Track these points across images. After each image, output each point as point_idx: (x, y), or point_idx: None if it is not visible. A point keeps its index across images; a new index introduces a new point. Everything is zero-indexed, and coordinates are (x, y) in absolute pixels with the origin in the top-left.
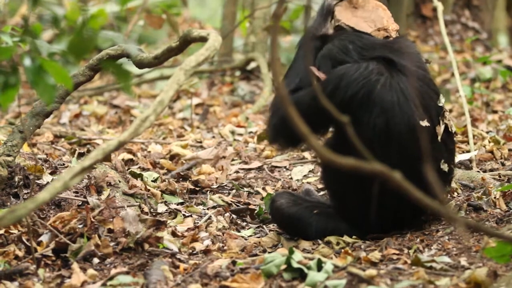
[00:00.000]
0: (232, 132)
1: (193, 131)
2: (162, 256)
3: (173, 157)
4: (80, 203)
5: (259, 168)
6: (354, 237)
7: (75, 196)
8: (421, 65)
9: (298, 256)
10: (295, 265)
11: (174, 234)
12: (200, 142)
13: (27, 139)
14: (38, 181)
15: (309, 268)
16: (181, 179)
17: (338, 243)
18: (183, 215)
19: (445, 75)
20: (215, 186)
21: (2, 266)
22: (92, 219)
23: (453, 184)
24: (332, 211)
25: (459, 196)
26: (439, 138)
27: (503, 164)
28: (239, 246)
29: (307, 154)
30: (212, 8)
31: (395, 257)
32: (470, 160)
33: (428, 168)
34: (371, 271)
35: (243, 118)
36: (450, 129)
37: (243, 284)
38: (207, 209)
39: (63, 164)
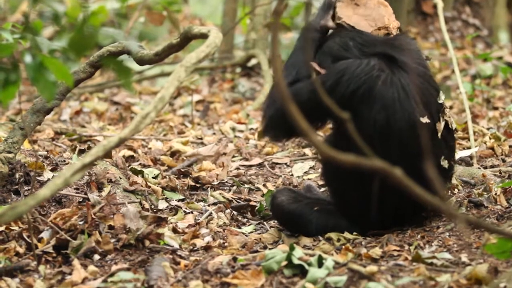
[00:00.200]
0: (233, 129)
1: (193, 128)
2: (163, 253)
3: (174, 153)
4: (81, 200)
5: (260, 165)
6: (354, 233)
7: (76, 192)
8: (421, 62)
9: (298, 252)
10: (295, 261)
11: (175, 230)
12: (201, 138)
13: (27, 136)
14: (38, 178)
15: (310, 264)
16: (181, 175)
17: (338, 240)
18: (184, 211)
19: (445, 71)
20: (215, 183)
21: (3, 263)
22: (93, 216)
23: (454, 181)
24: (332, 208)
25: (459, 193)
26: (439, 134)
27: (503, 161)
28: (239, 242)
29: (307, 151)
30: (212, 5)
31: (395, 253)
32: (471, 157)
33: (428, 164)
34: (372, 268)
35: (243, 115)
36: (450, 126)
37: (244, 280)
38: (208, 205)
39: (64, 161)
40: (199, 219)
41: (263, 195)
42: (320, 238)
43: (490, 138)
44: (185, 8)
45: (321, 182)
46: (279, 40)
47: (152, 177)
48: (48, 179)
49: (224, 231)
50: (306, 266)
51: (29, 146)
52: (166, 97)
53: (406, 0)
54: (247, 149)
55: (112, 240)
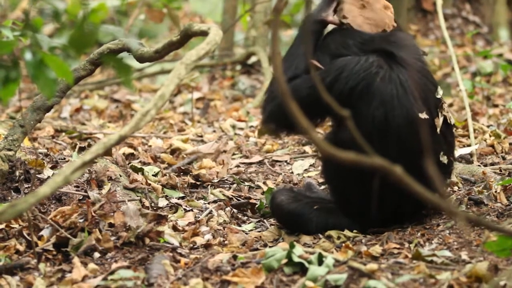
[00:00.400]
0: (233, 126)
1: (194, 125)
2: (163, 251)
3: (174, 151)
4: (81, 198)
5: (260, 162)
6: (355, 231)
7: (76, 190)
8: (419, 57)
9: (299, 250)
10: (296, 259)
11: (175, 228)
12: (201, 136)
13: (28, 133)
14: (39, 176)
15: (310, 262)
16: (182, 173)
17: (339, 238)
18: (184, 209)
19: (445, 69)
20: (216, 180)
21: (3, 261)
22: (93, 214)
23: (454, 178)
24: (332, 207)
25: (460, 190)
26: (438, 130)
27: (504, 158)
28: (240, 240)
29: (308, 149)
30: (213, 2)
31: (396, 251)
32: (471, 154)
33: (428, 161)
34: (372, 265)
35: (244, 112)
36: (449, 121)
37: (244, 278)
38: (208, 203)
39: (64, 159)
40: (199, 217)
41: (263, 193)
42: (320, 236)
43: (490, 136)
44: (185, 6)
45: (321, 180)
46: (279, 37)
47: (152, 175)
48: (48, 177)
49: (224, 229)
50: (306, 264)
51: (29, 144)
52: (166, 95)
53: None
54: (247, 146)
55: (112, 238)
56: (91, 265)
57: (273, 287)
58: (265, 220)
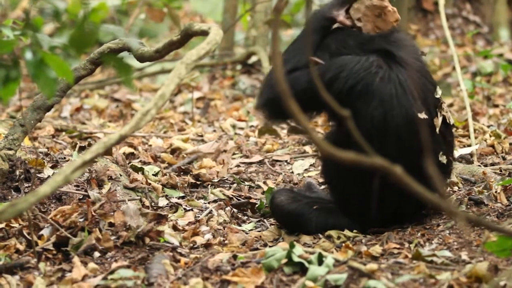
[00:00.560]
0: (233, 126)
1: (194, 125)
2: (163, 250)
3: (174, 151)
4: (81, 197)
5: (260, 162)
6: (355, 231)
7: (76, 190)
8: (418, 57)
9: (299, 250)
10: (296, 259)
11: (175, 228)
12: (201, 136)
13: (28, 133)
14: (39, 175)
15: (310, 262)
16: (182, 173)
17: (339, 237)
18: (184, 209)
19: (446, 69)
20: (216, 180)
21: (3, 260)
22: (93, 213)
23: (454, 178)
24: (332, 207)
25: (460, 190)
26: (437, 130)
27: (504, 158)
28: (240, 240)
29: (308, 148)
30: (213, 2)
31: (396, 251)
32: (471, 154)
33: (428, 161)
34: (372, 265)
35: (244, 112)
36: (448, 121)
37: (244, 278)
38: (208, 203)
39: (64, 158)
40: (199, 217)
41: (263, 193)
42: (320, 236)
43: (490, 136)
44: (186, 5)
45: (321, 180)
46: (280, 37)
47: (153, 174)
48: (49, 176)
49: (224, 229)
50: (306, 264)
51: (30, 143)
52: (167, 94)
53: None
54: (247, 146)
55: (112, 238)
56: (91, 265)
57: (273, 287)
58: (265, 220)
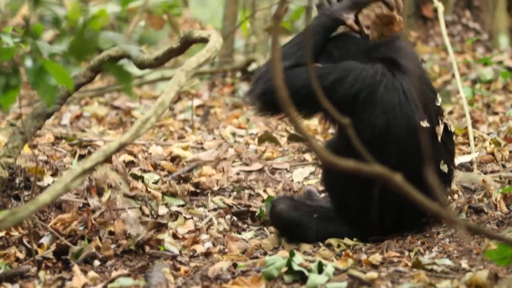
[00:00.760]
0: (233, 134)
1: (194, 133)
2: (163, 259)
3: (174, 159)
4: (81, 205)
5: (260, 170)
6: (355, 239)
7: (76, 198)
8: (418, 64)
9: (299, 258)
10: (296, 267)
11: (175, 236)
12: (201, 143)
13: (28, 141)
14: (39, 183)
15: (310, 270)
16: (182, 181)
17: (339, 246)
18: (184, 217)
19: (445, 76)
20: (216, 188)
21: (3, 268)
22: (93, 221)
23: (454, 186)
24: (332, 215)
25: (460, 198)
26: (439, 138)
27: (504, 166)
28: (240, 248)
29: (308, 156)
30: (213, 9)
31: (396, 259)
32: (471, 162)
33: (428, 170)
34: (372, 274)
35: (244, 120)
36: (449, 129)
37: (244, 286)
38: (208, 211)
39: (64, 166)
40: (199, 225)
41: (263, 201)
42: (320, 244)
43: (490, 144)
44: (186, 12)
45: (321, 188)
46: (280, 44)
47: (152, 183)
48: (48, 184)
49: (224, 237)
50: (306, 272)
51: (29, 151)
52: (167, 102)
53: (406, 4)
54: (247, 154)
55: (112, 246)
56: (91, 273)
57: None
58: (265, 228)
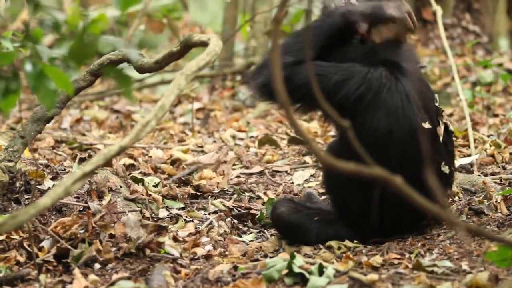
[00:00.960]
0: (233, 137)
1: (194, 136)
2: (163, 261)
3: (174, 162)
4: (81, 209)
5: (260, 173)
6: (355, 241)
7: (76, 201)
8: (418, 66)
9: (299, 261)
10: (296, 270)
11: (175, 239)
12: (201, 146)
13: (28, 145)
14: (39, 187)
15: (310, 273)
16: (182, 184)
17: (339, 248)
18: (184, 220)
19: (445, 78)
20: (216, 191)
21: (3, 272)
22: (94, 225)
23: (454, 188)
24: (333, 217)
25: (460, 200)
26: (440, 139)
27: (504, 168)
28: (240, 251)
29: (308, 159)
30: (213, 12)
31: (396, 261)
32: (471, 164)
33: (428, 172)
34: (373, 276)
35: (244, 123)
36: (449, 128)
37: None
38: (208, 214)
39: (64, 170)
40: (199, 228)
41: (263, 203)
42: (321, 246)
43: (490, 146)
44: (185, 16)
45: (321, 190)
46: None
47: (153, 186)
48: (49, 188)
49: (224, 240)
50: (307, 275)
51: (30, 155)
52: (167, 105)
53: None
54: (247, 157)
55: (113, 249)
56: (92, 276)
57: None
58: (265, 231)
